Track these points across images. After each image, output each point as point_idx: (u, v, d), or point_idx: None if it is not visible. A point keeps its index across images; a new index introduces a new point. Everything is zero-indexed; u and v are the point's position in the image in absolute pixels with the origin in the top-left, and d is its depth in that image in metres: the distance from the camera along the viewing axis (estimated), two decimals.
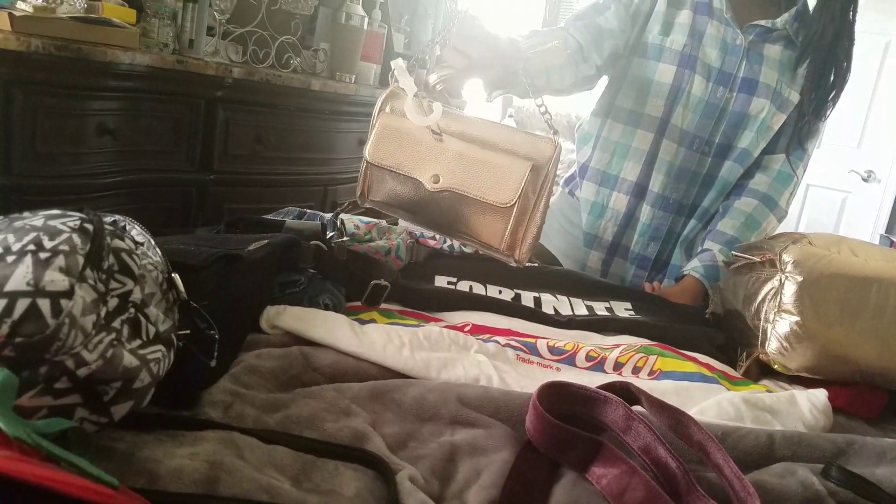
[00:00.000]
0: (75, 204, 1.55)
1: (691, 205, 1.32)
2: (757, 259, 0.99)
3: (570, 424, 0.64)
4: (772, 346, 0.91)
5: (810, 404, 0.78)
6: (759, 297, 0.95)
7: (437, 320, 0.90)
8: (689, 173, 1.28)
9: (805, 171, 1.32)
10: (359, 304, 0.88)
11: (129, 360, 0.49)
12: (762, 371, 0.96)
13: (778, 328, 0.90)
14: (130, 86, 1.67)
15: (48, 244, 0.49)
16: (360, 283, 0.89)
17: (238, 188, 2.02)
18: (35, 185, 1.51)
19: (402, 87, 0.94)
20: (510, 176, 0.86)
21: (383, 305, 0.90)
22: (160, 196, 1.84)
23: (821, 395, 0.80)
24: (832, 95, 1.24)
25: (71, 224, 0.52)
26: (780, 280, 0.91)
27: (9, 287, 0.45)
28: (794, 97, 1.24)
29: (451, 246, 1.16)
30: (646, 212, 1.32)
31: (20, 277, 0.46)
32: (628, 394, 0.71)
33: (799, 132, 1.27)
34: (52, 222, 0.52)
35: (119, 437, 0.53)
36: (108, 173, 1.69)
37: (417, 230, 1.17)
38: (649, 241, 1.34)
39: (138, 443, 0.53)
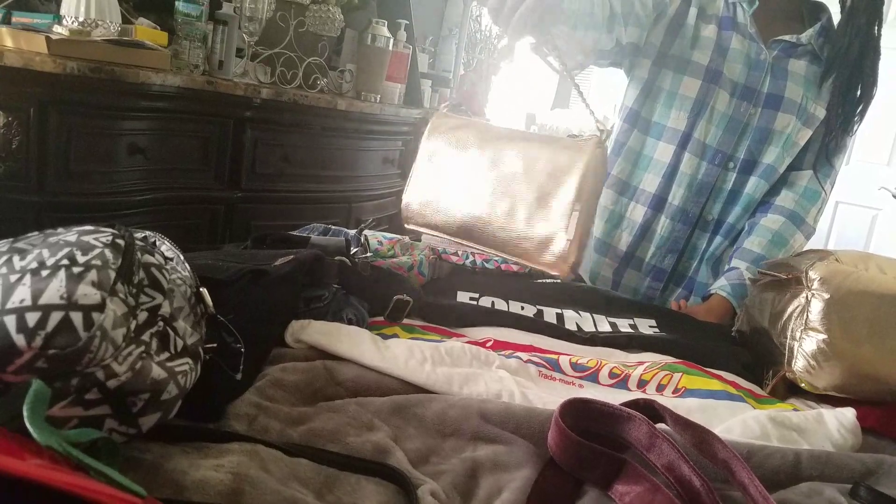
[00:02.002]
0: (107, 221, 1.59)
1: (716, 220, 1.31)
2: (783, 276, 0.97)
3: (592, 441, 0.64)
4: (798, 364, 0.89)
5: (838, 423, 0.77)
6: (786, 315, 0.94)
7: (459, 336, 0.91)
8: (711, 188, 1.27)
9: (832, 187, 1.31)
10: (382, 319, 0.89)
11: (157, 372, 0.50)
12: (789, 390, 0.95)
13: (805, 346, 0.89)
14: (161, 106, 1.71)
15: (81, 259, 0.51)
16: (383, 298, 0.89)
17: (265, 205, 2.05)
18: (68, 202, 1.56)
19: None
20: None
21: (406, 321, 0.91)
22: (189, 213, 1.88)
23: (849, 413, 0.79)
24: (859, 110, 1.23)
25: (103, 240, 0.54)
26: (807, 297, 0.90)
27: (43, 300, 0.47)
28: (820, 113, 1.23)
29: (474, 262, 1.16)
30: (664, 224, 1.31)
31: (54, 291, 0.47)
32: (652, 411, 0.70)
33: (826, 148, 1.26)
34: (85, 238, 0.54)
35: (146, 449, 0.54)
36: (139, 191, 1.73)
37: (441, 246, 1.18)
38: (666, 254, 1.33)
39: (165, 454, 0.54)
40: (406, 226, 1.11)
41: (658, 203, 1.31)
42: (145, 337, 0.51)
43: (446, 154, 1.09)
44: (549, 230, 0.98)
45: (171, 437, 0.58)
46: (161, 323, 0.54)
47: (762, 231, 1.25)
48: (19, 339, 0.45)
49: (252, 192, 2.00)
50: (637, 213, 1.34)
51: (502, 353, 0.83)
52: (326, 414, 0.67)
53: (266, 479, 0.53)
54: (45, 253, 0.51)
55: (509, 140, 1.05)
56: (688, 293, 1.36)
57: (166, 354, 0.53)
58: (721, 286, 1.22)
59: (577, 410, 0.67)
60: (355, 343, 0.77)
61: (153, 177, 1.75)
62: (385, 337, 0.83)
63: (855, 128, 1.25)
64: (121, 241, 0.54)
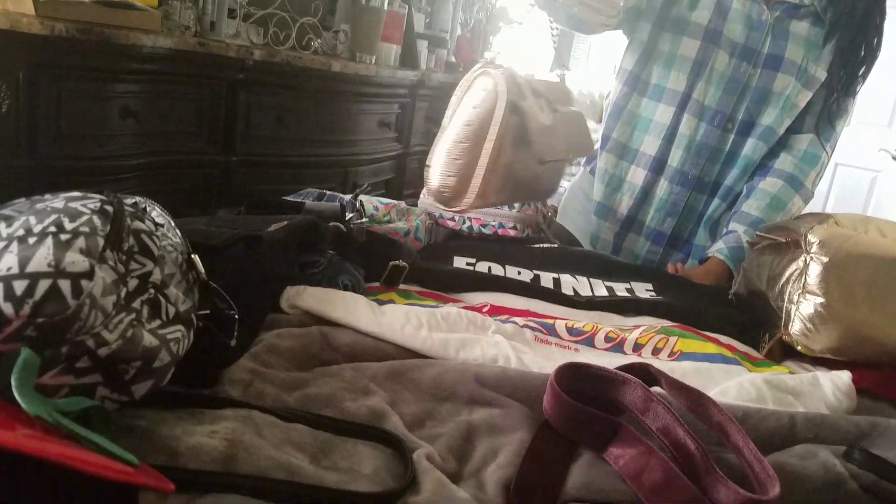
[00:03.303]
0: (100, 186, 1.58)
1: (714, 182, 1.30)
2: (782, 240, 0.97)
3: (587, 405, 0.64)
4: (795, 327, 0.89)
5: (833, 386, 0.77)
6: (784, 278, 0.93)
7: (455, 301, 0.90)
8: (710, 149, 1.26)
9: (833, 150, 1.29)
10: (378, 284, 0.89)
11: (148, 339, 0.50)
12: (785, 353, 0.95)
13: (802, 309, 0.88)
14: (153, 68, 1.68)
15: (69, 226, 0.50)
16: (378, 264, 0.89)
17: (260, 170, 2.03)
18: (60, 166, 1.54)
19: None
20: None
21: (402, 286, 0.90)
22: (183, 178, 1.86)
23: (844, 376, 0.79)
24: (862, 72, 1.21)
25: (91, 206, 0.53)
26: (805, 261, 0.90)
27: (30, 268, 0.46)
28: (821, 74, 1.21)
29: (471, 227, 1.16)
30: (663, 187, 1.31)
31: (41, 259, 0.47)
32: (647, 375, 0.70)
33: (828, 110, 1.24)
34: (72, 204, 0.53)
35: (140, 415, 0.54)
36: (132, 155, 1.70)
37: (437, 211, 1.17)
38: (665, 217, 1.32)
39: (159, 421, 0.54)
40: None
41: (658, 166, 1.30)
42: (136, 304, 0.51)
43: None
44: None
45: (165, 403, 0.57)
46: (152, 290, 0.53)
47: (760, 194, 1.24)
48: (7, 308, 0.44)
49: (247, 156, 1.98)
50: (637, 176, 1.32)
51: (498, 318, 0.83)
52: (322, 379, 0.67)
53: (260, 444, 0.53)
54: (32, 220, 0.50)
55: None
56: (685, 256, 1.36)
57: (158, 322, 0.52)
58: (718, 249, 1.22)
59: (572, 374, 0.67)
60: (351, 309, 0.77)
61: (146, 141, 1.73)
62: (381, 303, 0.83)
63: (858, 89, 1.23)
64: (109, 208, 0.53)
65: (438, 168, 0.99)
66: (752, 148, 1.25)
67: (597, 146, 1.42)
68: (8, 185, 1.48)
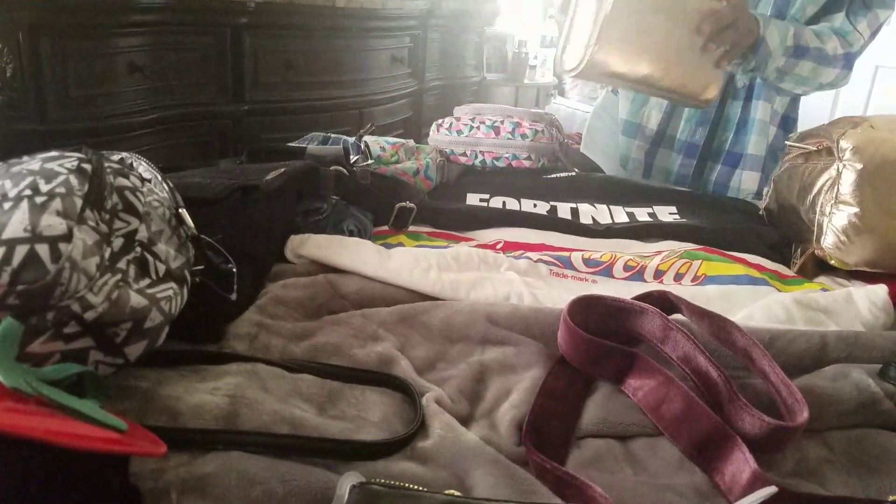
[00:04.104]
0: (113, 145, 1.57)
1: (749, 87, 1.20)
2: (812, 148, 0.91)
3: (605, 338, 0.61)
4: (828, 240, 0.85)
5: (869, 301, 0.73)
6: (815, 189, 0.88)
7: (468, 240, 0.88)
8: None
9: (872, 37, 1.16)
10: (386, 228, 0.86)
11: (136, 300, 0.48)
12: (819, 268, 0.90)
13: (835, 221, 0.83)
14: (153, 19, 1.64)
15: (44, 188, 0.48)
16: (386, 206, 0.86)
17: (272, 117, 2.00)
18: (71, 129, 1.52)
19: None
20: None
21: (412, 228, 0.88)
22: (196, 130, 1.84)
23: (880, 290, 0.74)
24: None
25: (68, 165, 0.51)
26: (838, 169, 0.84)
27: (6, 235, 0.44)
28: None
29: (483, 161, 1.12)
30: None
31: (17, 224, 0.45)
32: (667, 302, 0.67)
33: None
34: (48, 165, 0.51)
35: (142, 376, 0.54)
36: (143, 111, 1.68)
37: (448, 148, 1.13)
38: (697, 127, 1.24)
39: (161, 380, 0.53)
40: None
41: None
42: (121, 265, 0.49)
43: None
44: None
45: (169, 362, 0.57)
46: (139, 248, 0.51)
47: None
48: None
49: (258, 103, 1.94)
50: None
51: (512, 254, 0.80)
52: (330, 327, 0.66)
53: (264, 398, 0.52)
54: (8, 184, 0.49)
55: None
56: (730, 168, 1.28)
57: (147, 281, 0.51)
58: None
59: (586, 307, 0.64)
60: (357, 254, 0.74)
61: (155, 95, 1.70)
62: (390, 246, 0.80)
63: None
64: (87, 166, 0.51)
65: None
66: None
67: None
68: (22, 152, 1.47)
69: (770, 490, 0.45)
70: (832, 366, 0.63)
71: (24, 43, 1.42)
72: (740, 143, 1.24)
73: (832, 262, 0.86)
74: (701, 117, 1.22)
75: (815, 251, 0.88)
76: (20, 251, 0.44)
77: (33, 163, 0.52)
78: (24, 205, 0.46)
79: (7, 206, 0.47)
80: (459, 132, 1.13)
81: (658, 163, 1.31)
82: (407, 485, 0.44)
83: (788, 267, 0.90)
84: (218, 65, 1.82)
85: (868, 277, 0.85)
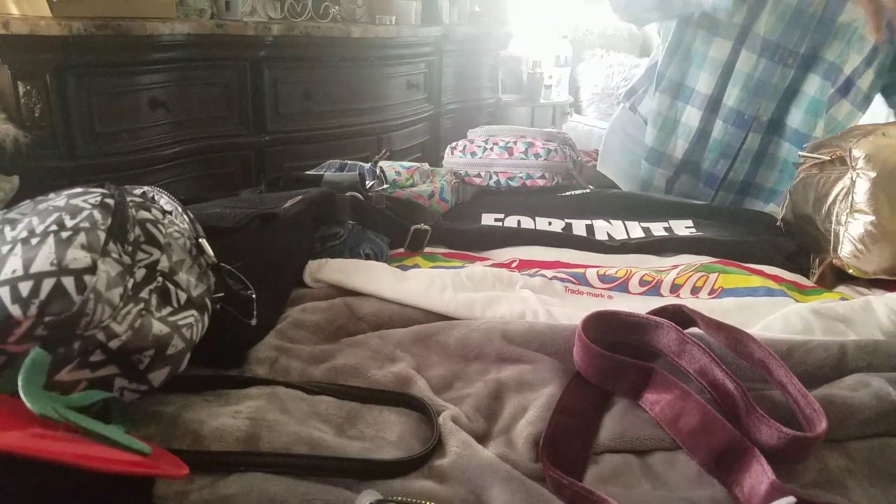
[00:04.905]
0: (139, 179, 1.61)
1: (773, 121, 1.20)
2: (826, 157, 0.91)
3: (621, 353, 0.61)
4: (845, 249, 0.84)
5: (888, 309, 0.72)
6: (830, 199, 0.88)
7: (483, 259, 0.89)
8: (769, 87, 1.16)
9: None
10: (403, 250, 0.88)
11: (158, 328, 0.50)
12: (838, 277, 0.90)
13: (851, 230, 0.83)
14: (175, 56, 1.69)
15: (69, 223, 0.50)
16: (402, 229, 0.88)
17: (294, 146, 2.04)
18: (98, 164, 1.57)
19: None
20: None
21: (428, 249, 0.89)
22: (220, 162, 1.88)
23: None
24: None
25: (92, 201, 0.53)
26: (852, 178, 0.84)
27: (34, 269, 0.46)
28: None
29: (498, 181, 1.13)
30: (718, 127, 1.22)
31: (44, 258, 0.47)
32: (682, 316, 0.67)
33: None
34: (73, 201, 0.53)
35: (168, 401, 0.55)
36: (167, 145, 1.73)
37: (462, 170, 1.15)
38: (719, 158, 1.25)
39: (186, 405, 0.55)
40: None
41: (713, 105, 1.21)
42: (144, 294, 0.51)
43: None
44: None
45: (192, 387, 0.58)
46: (160, 278, 0.53)
47: None
48: (15, 310, 0.45)
49: (279, 133, 1.98)
50: (693, 117, 1.24)
51: (527, 272, 0.81)
52: (348, 350, 0.67)
53: (284, 420, 0.53)
54: (35, 221, 0.51)
55: None
56: (741, 198, 1.28)
57: (168, 309, 0.53)
58: None
59: (601, 323, 0.65)
60: (373, 277, 0.76)
61: (178, 129, 1.75)
62: (406, 268, 0.82)
63: None
64: (110, 201, 0.54)
65: None
66: (816, 86, 1.14)
67: (634, 81, 1.35)
68: (52, 187, 1.52)
69: (788, 500, 0.45)
70: (852, 375, 0.62)
71: (50, 83, 1.47)
72: (762, 175, 1.24)
73: (850, 271, 0.86)
74: (724, 150, 1.22)
75: (833, 261, 0.87)
76: (47, 284, 0.46)
77: (59, 199, 0.54)
78: (51, 240, 0.49)
79: (35, 241, 0.49)
80: (473, 154, 1.14)
81: (678, 188, 1.31)
82: (424, 502, 0.44)
83: (807, 277, 0.90)
84: (239, 98, 1.87)
85: (888, 286, 0.84)
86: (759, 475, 0.50)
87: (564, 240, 0.93)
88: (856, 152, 0.83)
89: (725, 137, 1.22)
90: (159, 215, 0.58)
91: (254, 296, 0.63)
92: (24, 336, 0.45)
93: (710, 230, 1.01)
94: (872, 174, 0.80)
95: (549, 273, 0.80)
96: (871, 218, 0.81)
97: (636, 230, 1.00)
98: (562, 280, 0.79)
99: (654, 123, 1.28)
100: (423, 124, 2.54)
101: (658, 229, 1.00)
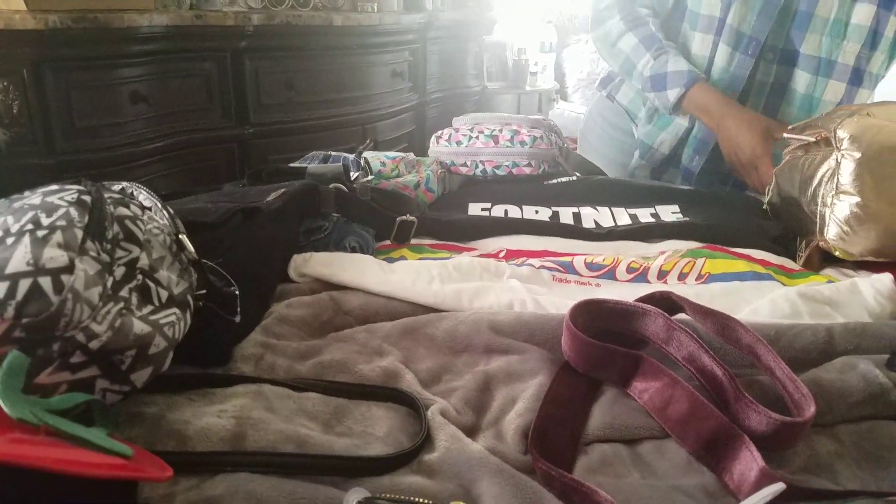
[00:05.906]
0: (122, 174, 1.59)
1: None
2: (811, 139, 0.91)
3: (610, 341, 0.61)
4: (831, 231, 0.84)
5: (875, 291, 0.73)
6: (816, 181, 0.88)
7: (470, 250, 0.88)
8: (744, 81, 1.15)
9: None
10: (389, 242, 0.87)
11: (139, 327, 0.49)
12: (824, 260, 0.90)
13: (837, 212, 0.83)
14: (154, 48, 1.66)
15: (45, 221, 0.49)
16: (388, 221, 0.87)
17: (278, 138, 2.02)
18: (80, 160, 1.55)
19: None
20: None
21: (414, 241, 0.88)
22: (204, 155, 1.86)
23: (886, 279, 0.74)
24: None
25: (68, 198, 0.52)
26: (837, 159, 0.84)
27: (10, 269, 0.45)
28: None
29: (484, 170, 1.12)
30: (696, 124, 1.22)
31: (20, 258, 0.46)
32: (670, 303, 0.67)
33: None
34: (49, 198, 0.52)
35: (151, 402, 0.54)
36: (149, 139, 1.71)
37: (448, 159, 1.14)
38: (694, 155, 1.24)
39: (170, 405, 0.54)
40: None
41: None
42: (124, 293, 0.50)
43: None
44: None
45: (176, 386, 0.57)
46: (140, 276, 0.52)
47: None
48: None
49: (262, 125, 1.96)
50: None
51: (514, 261, 0.81)
52: (335, 345, 0.66)
53: (270, 419, 0.53)
54: (10, 220, 0.50)
55: None
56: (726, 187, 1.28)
57: (149, 308, 0.52)
58: None
59: (589, 311, 0.64)
60: (359, 270, 0.75)
61: (160, 123, 1.73)
62: (392, 260, 0.81)
63: None
64: (87, 198, 0.52)
65: None
66: (804, 82, 1.12)
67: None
68: (32, 185, 1.50)
69: (778, 486, 0.45)
70: (839, 358, 0.63)
71: (27, 78, 1.45)
72: None
73: (837, 253, 0.86)
74: (699, 147, 1.22)
75: (819, 243, 0.87)
76: (24, 285, 0.45)
77: (34, 197, 0.53)
78: (27, 239, 0.47)
79: (10, 241, 0.48)
80: (459, 143, 1.13)
81: (664, 179, 1.31)
82: (413, 498, 0.44)
83: (794, 261, 0.90)
84: (220, 89, 1.85)
85: (874, 267, 0.84)
86: (749, 462, 0.50)
87: (552, 228, 0.93)
88: (840, 133, 0.82)
89: (700, 134, 1.21)
90: (138, 211, 0.57)
91: (237, 292, 0.62)
92: (1, 338, 0.44)
93: (697, 215, 1.00)
94: (857, 154, 0.80)
95: (536, 262, 0.80)
96: (857, 199, 0.81)
97: (623, 217, 0.99)
98: (549, 269, 0.79)
99: (649, 119, 1.27)
100: (408, 114, 2.52)
101: (645, 215, 1.00)
